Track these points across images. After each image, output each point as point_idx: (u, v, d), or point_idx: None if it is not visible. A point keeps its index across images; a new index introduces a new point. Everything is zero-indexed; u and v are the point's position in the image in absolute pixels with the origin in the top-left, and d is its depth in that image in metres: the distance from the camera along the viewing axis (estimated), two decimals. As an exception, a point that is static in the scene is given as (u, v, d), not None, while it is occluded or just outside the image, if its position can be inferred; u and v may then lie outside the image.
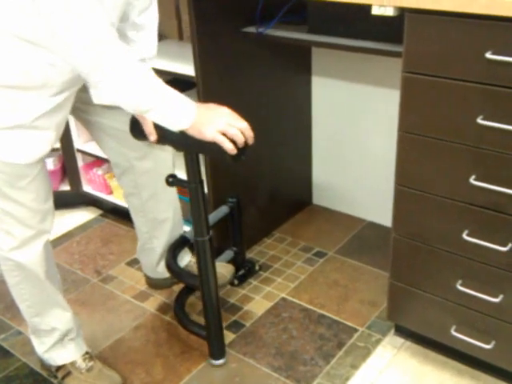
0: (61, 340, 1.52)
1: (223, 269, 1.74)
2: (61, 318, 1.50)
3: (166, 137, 1.31)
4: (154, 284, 1.85)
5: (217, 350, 1.61)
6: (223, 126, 1.24)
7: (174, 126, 1.26)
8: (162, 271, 1.76)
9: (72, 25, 1.06)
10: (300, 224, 2.23)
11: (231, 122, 1.26)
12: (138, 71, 1.17)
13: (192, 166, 1.40)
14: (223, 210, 1.81)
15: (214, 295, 1.53)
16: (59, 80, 1.22)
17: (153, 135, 1.31)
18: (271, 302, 1.84)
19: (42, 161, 1.34)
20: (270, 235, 2.18)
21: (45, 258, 1.42)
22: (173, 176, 1.46)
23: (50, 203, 1.41)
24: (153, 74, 1.22)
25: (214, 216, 1.77)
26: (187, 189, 1.43)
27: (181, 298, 1.77)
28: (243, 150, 1.28)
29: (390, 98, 1.91)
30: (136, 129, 1.36)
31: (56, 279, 1.51)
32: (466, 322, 1.43)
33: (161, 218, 1.66)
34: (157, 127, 1.30)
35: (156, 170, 1.57)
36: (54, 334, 1.51)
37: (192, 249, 1.76)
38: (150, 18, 1.38)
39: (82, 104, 1.43)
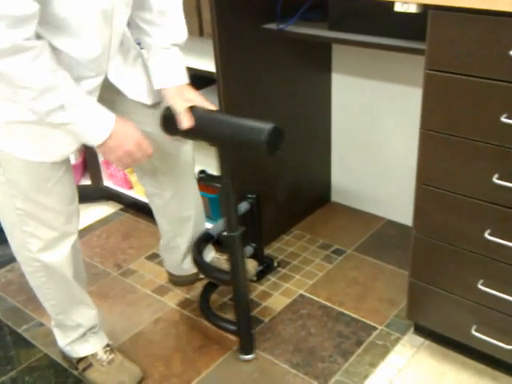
0: (84, 334, 1.54)
1: (248, 264, 1.74)
2: (85, 315, 1.52)
3: (200, 129, 1.30)
4: (176, 281, 1.86)
5: (247, 344, 1.61)
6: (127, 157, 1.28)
7: (93, 135, 1.23)
8: (187, 268, 1.77)
9: None
10: (319, 221, 2.23)
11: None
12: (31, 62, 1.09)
13: (225, 162, 1.39)
14: (244, 206, 1.81)
15: (245, 290, 1.54)
16: (73, 75, 1.20)
17: (186, 122, 1.30)
18: (289, 299, 1.84)
19: (67, 162, 1.35)
20: (289, 232, 2.18)
21: (72, 259, 1.43)
22: (203, 172, 1.45)
23: (75, 205, 1.41)
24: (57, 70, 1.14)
25: None
26: (220, 184, 1.41)
27: (205, 294, 1.77)
28: (278, 143, 1.28)
29: (412, 96, 1.90)
30: (169, 124, 1.35)
31: (82, 278, 1.52)
32: (486, 322, 1.41)
33: (184, 216, 1.66)
34: (195, 120, 1.30)
35: (177, 170, 1.58)
36: (79, 329, 1.53)
37: (216, 245, 1.78)
38: (170, 2, 1.37)
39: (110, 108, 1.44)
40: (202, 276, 1.81)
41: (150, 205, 1.69)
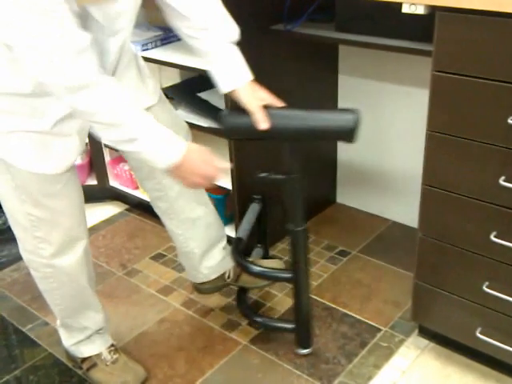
0: (90, 336, 1.55)
1: (274, 264, 1.73)
2: (93, 319, 1.52)
3: (280, 128, 1.28)
4: (201, 289, 1.78)
5: (306, 339, 1.62)
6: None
7: (165, 157, 1.22)
8: (206, 273, 1.71)
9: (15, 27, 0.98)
10: (324, 222, 2.23)
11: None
12: (105, 91, 1.11)
13: (296, 156, 1.38)
14: (255, 207, 1.80)
15: (308, 285, 1.57)
16: None
17: (263, 123, 1.28)
18: (294, 300, 1.84)
19: (72, 168, 1.34)
20: (294, 233, 2.17)
21: (86, 263, 1.43)
22: (262, 171, 1.41)
23: (83, 207, 1.41)
24: (126, 97, 1.15)
25: (250, 214, 1.77)
26: (286, 181, 1.40)
27: (242, 299, 1.76)
28: (358, 130, 1.29)
29: (418, 98, 1.90)
30: (236, 126, 1.32)
31: (93, 282, 1.52)
32: (491, 325, 1.41)
33: (192, 216, 1.61)
34: (273, 118, 1.28)
35: None
36: (86, 331, 1.53)
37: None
38: (211, 2, 1.32)
39: None
40: (228, 281, 1.75)
41: (156, 211, 1.64)
